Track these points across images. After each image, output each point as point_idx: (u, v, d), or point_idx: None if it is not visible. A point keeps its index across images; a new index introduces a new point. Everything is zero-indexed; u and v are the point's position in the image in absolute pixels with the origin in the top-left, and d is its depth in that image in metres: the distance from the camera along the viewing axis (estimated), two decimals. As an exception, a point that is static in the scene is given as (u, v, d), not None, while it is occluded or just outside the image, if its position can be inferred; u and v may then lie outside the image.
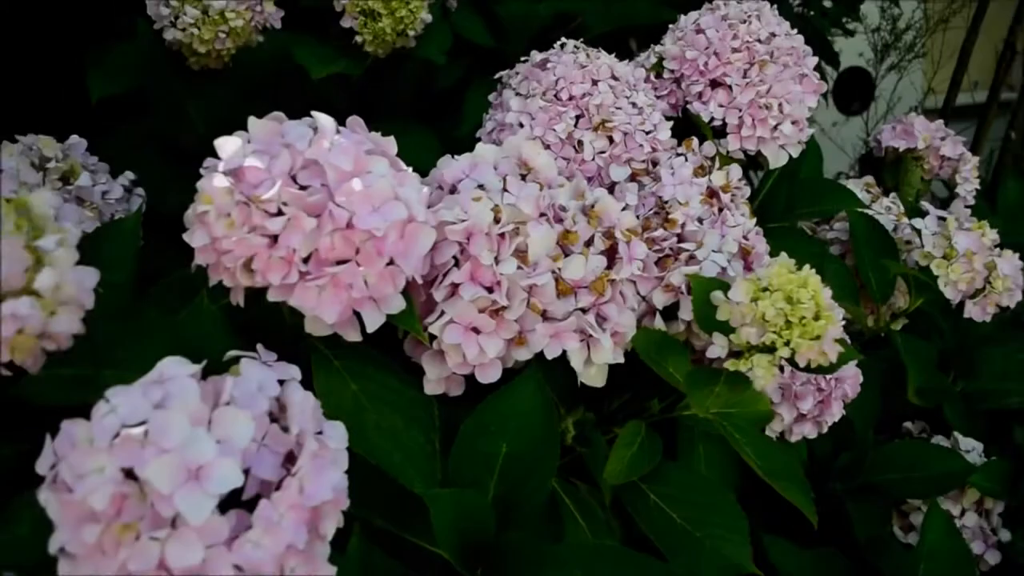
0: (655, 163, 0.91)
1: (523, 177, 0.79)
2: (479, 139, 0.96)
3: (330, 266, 0.64)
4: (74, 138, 0.89)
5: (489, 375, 0.76)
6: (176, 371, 0.58)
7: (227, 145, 0.64)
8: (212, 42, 1.11)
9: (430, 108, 1.37)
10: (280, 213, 0.63)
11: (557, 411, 0.82)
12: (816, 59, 1.04)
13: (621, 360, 0.80)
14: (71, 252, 0.59)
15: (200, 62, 1.15)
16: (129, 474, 0.53)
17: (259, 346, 0.63)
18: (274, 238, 0.63)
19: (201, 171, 0.65)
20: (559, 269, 0.75)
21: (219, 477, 0.53)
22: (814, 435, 0.96)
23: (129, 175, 0.94)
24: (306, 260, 0.64)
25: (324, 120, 0.66)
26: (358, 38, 1.15)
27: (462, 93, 1.31)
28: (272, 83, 1.25)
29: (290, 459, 0.59)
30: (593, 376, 0.80)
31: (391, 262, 0.66)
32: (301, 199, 0.62)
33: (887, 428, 1.23)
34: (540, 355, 0.77)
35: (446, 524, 0.71)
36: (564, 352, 0.76)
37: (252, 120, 0.66)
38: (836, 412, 0.95)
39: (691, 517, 0.86)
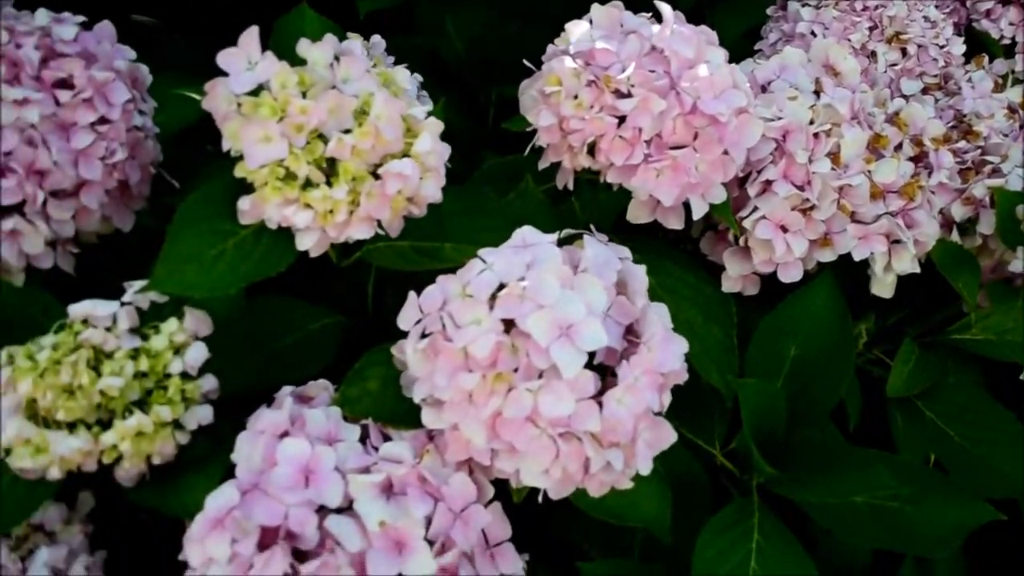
0: (947, 78, 0.89)
1: (826, 82, 0.79)
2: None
3: (670, 150, 0.65)
4: (376, 38, 0.93)
5: (791, 274, 0.77)
6: (538, 237, 0.60)
7: (575, 29, 0.66)
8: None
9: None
10: (628, 95, 0.64)
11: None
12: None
13: (917, 270, 0.79)
14: (438, 123, 0.62)
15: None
16: (505, 328, 0.56)
17: (591, 227, 0.66)
18: (622, 119, 0.64)
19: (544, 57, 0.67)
20: (870, 172, 0.75)
21: (589, 335, 0.55)
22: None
23: (418, 77, 0.97)
24: (647, 143, 0.65)
25: (666, 9, 0.67)
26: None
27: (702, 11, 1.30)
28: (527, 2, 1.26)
29: (630, 331, 0.61)
30: (886, 285, 0.80)
31: (725, 151, 0.67)
32: (650, 81, 0.64)
33: None
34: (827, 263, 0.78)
35: (749, 412, 0.72)
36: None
37: (595, 7, 0.67)
38: None
39: (969, 435, 0.85)
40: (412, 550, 0.55)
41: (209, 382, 0.60)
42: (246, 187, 0.61)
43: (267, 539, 0.54)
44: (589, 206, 0.80)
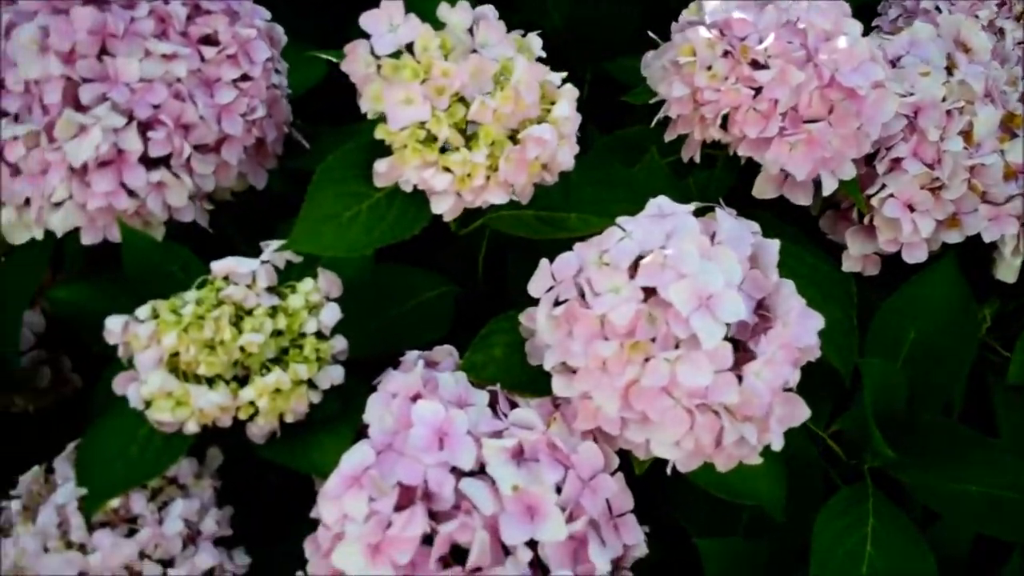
0: (1076, 59, 0.86)
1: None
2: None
3: (804, 123, 0.64)
4: (488, 7, 0.93)
5: (916, 255, 0.75)
6: (675, 207, 0.60)
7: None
8: (584, -71, 1.12)
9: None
10: (765, 67, 0.63)
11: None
12: None
13: (1049, 255, 0.77)
14: (574, 89, 0.62)
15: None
16: (644, 296, 0.56)
17: (720, 200, 0.65)
18: (758, 90, 0.63)
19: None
20: (1003, 151, 0.73)
21: (729, 307, 0.55)
22: None
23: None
24: (782, 116, 0.64)
25: (802, -21, 0.66)
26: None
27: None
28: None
29: (759, 306, 0.61)
30: (1012, 269, 0.78)
31: (860, 126, 0.66)
32: (788, 52, 0.63)
33: None
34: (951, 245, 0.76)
35: (872, 393, 0.71)
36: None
37: (726, -22, 0.66)
38: None
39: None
40: (544, 515, 0.55)
41: (340, 343, 0.61)
42: (382, 149, 0.61)
43: (402, 499, 0.54)
44: (702, 181, 0.79)
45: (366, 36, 0.60)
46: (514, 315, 0.65)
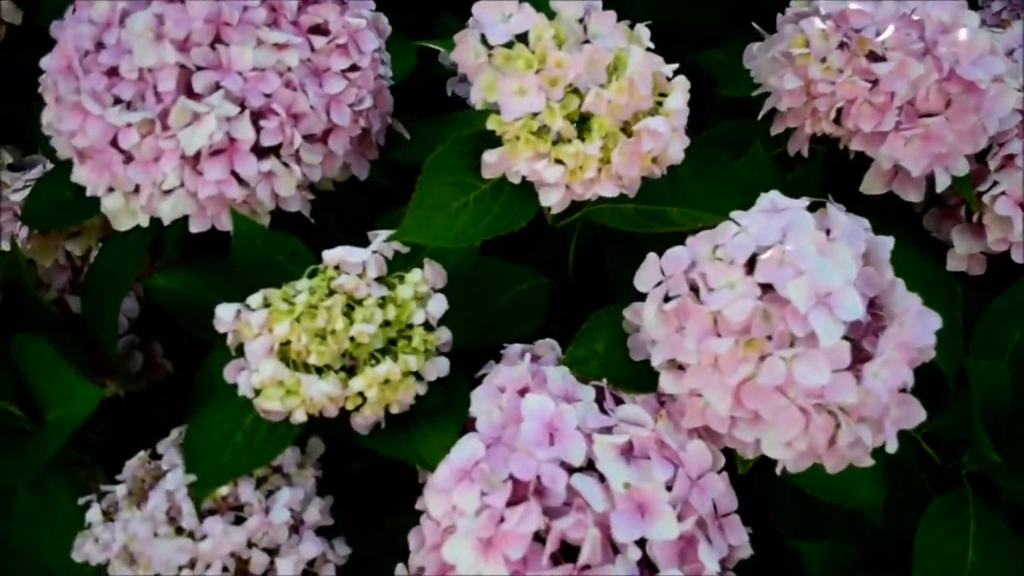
0: None
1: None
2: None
3: (921, 117, 0.63)
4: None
5: (1027, 254, 0.73)
6: (788, 202, 0.58)
7: (825, -13, 0.64)
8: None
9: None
10: (883, 59, 0.62)
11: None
12: None
13: None
14: (686, 81, 0.61)
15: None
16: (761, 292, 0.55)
17: (829, 195, 0.63)
18: (874, 83, 0.62)
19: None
20: (1120, 150, 0.70)
21: (847, 305, 0.53)
22: None
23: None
24: (898, 110, 0.63)
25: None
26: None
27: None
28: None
29: (872, 304, 0.59)
30: (1123, 271, 0.75)
31: (977, 120, 0.64)
32: (907, 44, 0.61)
33: None
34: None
35: (979, 396, 0.69)
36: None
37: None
38: None
39: None
40: (656, 514, 0.54)
41: (445, 334, 0.60)
42: (490, 140, 0.61)
43: (514, 494, 0.54)
44: (799, 177, 0.78)
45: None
46: (616, 309, 0.64)
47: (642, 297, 0.60)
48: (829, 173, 0.77)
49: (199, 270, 0.70)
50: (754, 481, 0.62)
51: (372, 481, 0.73)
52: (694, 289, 0.57)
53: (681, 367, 0.58)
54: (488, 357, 0.68)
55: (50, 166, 0.79)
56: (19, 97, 0.85)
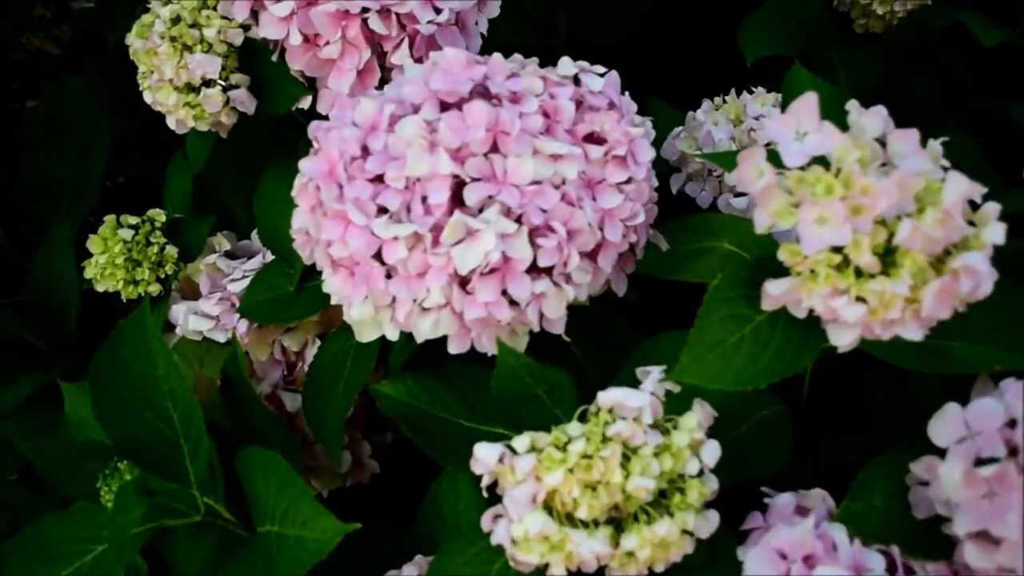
0: None
1: None
2: None
3: None
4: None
5: None
6: None
7: None
8: (892, 1, 1.03)
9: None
10: None
11: None
12: None
13: None
14: (997, 206, 0.54)
15: (867, 24, 1.08)
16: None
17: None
18: None
19: None
20: None
21: None
22: None
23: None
24: None
25: None
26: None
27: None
28: (920, 52, 1.16)
29: None
30: None
31: None
32: None
33: None
34: None
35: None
36: None
37: None
38: None
39: None
40: None
41: (713, 483, 0.54)
42: (771, 268, 0.54)
43: None
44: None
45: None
46: (897, 458, 0.57)
47: (930, 447, 0.53)
48: None
49: (424, 380, 0.66)
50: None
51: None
52: (1013, 451, 0.50)
53: (995, 540, 0.50)
54: (737, 498, 0.61)
55: (268, 255, 0.76)
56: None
